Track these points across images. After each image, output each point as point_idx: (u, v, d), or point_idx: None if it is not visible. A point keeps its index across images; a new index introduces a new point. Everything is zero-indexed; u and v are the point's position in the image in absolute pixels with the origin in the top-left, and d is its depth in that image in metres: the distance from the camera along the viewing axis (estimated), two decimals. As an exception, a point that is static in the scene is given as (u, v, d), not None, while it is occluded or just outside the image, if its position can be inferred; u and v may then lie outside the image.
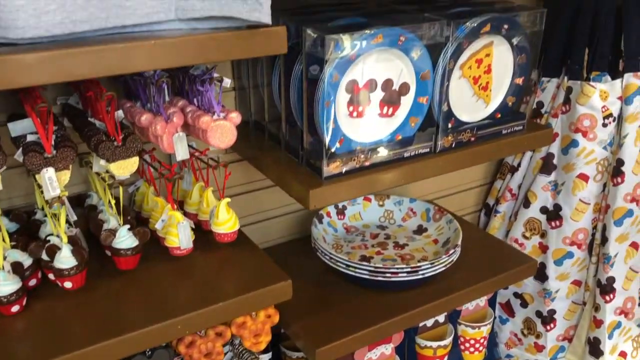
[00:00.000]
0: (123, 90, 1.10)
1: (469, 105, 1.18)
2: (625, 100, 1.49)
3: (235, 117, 0.99)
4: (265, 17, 0.82)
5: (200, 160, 1.18)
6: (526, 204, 1.66)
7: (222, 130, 0.98)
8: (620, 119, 1.52)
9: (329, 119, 1.00)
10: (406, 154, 1.11)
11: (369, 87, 1.04)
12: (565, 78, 1.54)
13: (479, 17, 1.08)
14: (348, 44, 0.96)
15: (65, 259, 0.96)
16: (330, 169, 1.03)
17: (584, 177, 1.56)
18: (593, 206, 1.59)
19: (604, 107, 1.49)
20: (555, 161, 1.59)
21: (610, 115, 1.50)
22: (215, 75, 1.01)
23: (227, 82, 1.02)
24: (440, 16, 1.07)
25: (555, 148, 1.58)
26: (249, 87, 1.22)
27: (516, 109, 1.25)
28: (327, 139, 1.01)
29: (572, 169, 1.56)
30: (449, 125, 1.15)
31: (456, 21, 1.05)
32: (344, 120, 1.04)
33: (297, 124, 1.07)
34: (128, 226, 1.04)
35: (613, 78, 1.49)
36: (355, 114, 1.05)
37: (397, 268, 1.23)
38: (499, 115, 1.22)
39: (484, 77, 1.17)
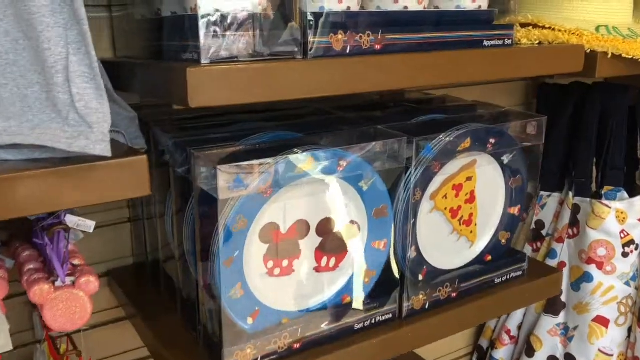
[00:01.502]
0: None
1: (447, 246, 0.85)
2: (649, 222, 1.17)
3: (89, 282, 0.66)
4: (99, 146, 0.50)
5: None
6: (529, 351, 1.30)
7: (67, 304, 0.64)
8: (643, 246, 1.19)
9: (232, 284, 0.67)
10: (357, 326, 0.76)
11: (296, 233, 0.71)
12: (570, 193, 1.23)
13: (453, 130, 0.77)
14: (254, 177, 0.64)
15: None
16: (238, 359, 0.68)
17: (602, 321, 1.21)
18: (617, 358, 1.23)
19: (622, 231, 1.17)
20: (563, 298, 1.25)
21: (632, 242, 1.18)
22: (68, 217, 0.68)
23: (90, 225, 0.69)
24: (400, 129, 0.76)
25: (562, 282, 1.24)
26: (143, 217, 0.89)
27: (512, 247, 0.92)
28: (231, 315, 0.67)
29: (586, 310, 1.21)
30: (420, 278, 0.81)
31: (420, 138, 0.73)
32: (259, 283, 0.70)
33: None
34: None
35: (631, 195, 1.18)
36: (277, 271, 0.71)
37: None
38: (490, 258, 0.89)
39: (465, 208, 0.85)
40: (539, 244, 1.30)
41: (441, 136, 0.76)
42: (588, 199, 1.20)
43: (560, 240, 1.24)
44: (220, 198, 0.61)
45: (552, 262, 1.24)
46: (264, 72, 0.61)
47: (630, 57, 0.88)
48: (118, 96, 0.73)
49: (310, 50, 0.65)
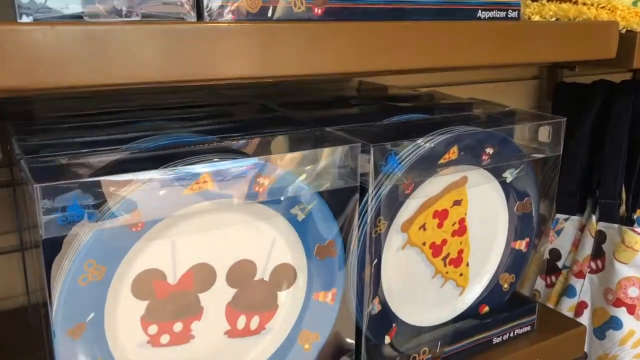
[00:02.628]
0: None
1: (427, 295, 0.62)
2: (694, 256, 0.93)
3: None
4: None
5: None
6: (541, 410, 1.05)
7: None
8: (686, 285, 0.95)
9: (83, 364, 0.44)
10: (290, 415, 0.53)
11: (193, 284, 0.48)
12: (593, 217, 0.99)
13: (432, 134, 0.54)
14: (112, 202, 0.41)
15: None
16: None
17: (634, 379, 0.97)
18: None
19: (660, 267, 0.93)
20: (584, 348, 1.00)
21: (672, 280, 0.93)
22: None
23: None
24: (361, 134, 0.54)
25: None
26: (22, 247, 0.67)
27: (517, 294, 0.68)
28: (84, 410, 0.44)
29: (613, 364, 0.97)
30: (386, 341, 0.58)
31: (381, 145, 0.50)
32: (137, 356, 0.47)
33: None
34: None
35: (671, 220, 0.94)
36: (165, 338, 0.48)
37: None
38: (487, 309, 0.66)
39: (452, 243, 0.62)
40: (553, 278, 1.06)
41: (413, 143, 0.53)
42: (616, 225, 0.96)
43: (580, 275, 1.00)
44: (44, 236, 0.39)
45: (571, 302, 1.00)
46: (129, 41, 0.38)
47: (682, 38, 0.64)
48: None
49: (208, 9, 0.43)
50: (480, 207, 0.62)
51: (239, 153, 0.52)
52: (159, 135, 0.52)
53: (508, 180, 0.62)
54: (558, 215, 1.05)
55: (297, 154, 0.48)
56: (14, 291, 0.74)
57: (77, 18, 0.40)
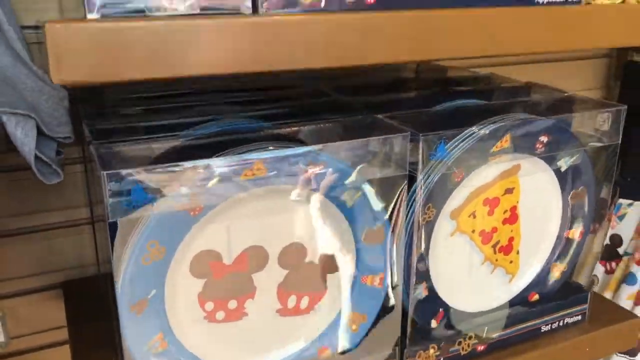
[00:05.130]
0: None
1: (476, 281, 0.62)
2: None
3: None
4: None
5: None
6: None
7: None
8: None
9: (149, 335, 0.47)
10: (338, 393, 0.56)
11: (247, 265, 0.51)
12: (658, 204, 0.95)
13: (483, 123, 0.54)
14: (171, 188, 0.44)
15: None
16: None
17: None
18: None
19: None
20: (643, 336, 0.98)
21: None
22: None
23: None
24: (411, 120, 0.54)
25: (642, 315, 0.97)
26: (92, 220, 0.72)
27: (569, 282, 0.68)
28: (145, 377, 0.48)
29: (673, 355, 0.95)
30: (433, 325, 0.59)
31: (430, 135, 0.51)
32: (194, 331, 0.51)
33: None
34: None
35: None
36: (220, 315, 0.51)
37: None
38: (536, 297, 0.66)
39: (503, 231, 0.62)
40: (613, 264, 1.03)
41: (463, 132, 0.53)
42: (682, 213, 0.92)
43: (641, 262, 0.98)
44: (110, 219, 0.42)
45: (631, 290, 0.98)
46: (180, 36, 0.40)
47: None
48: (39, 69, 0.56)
49: (263, 5, 0.44)
50: (533, 195, 0.62)
51: (292, 140, 0.53)
52: (216, 122, 0.55)
53: (562, 169, 0.61)
54: (621, 200, 1.02)
55: (346, 143, 0.49)
56: (87, 261, 0.80)
57: (140, 12, 0.42)
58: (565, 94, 0.66)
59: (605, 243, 1.04)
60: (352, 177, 0.51)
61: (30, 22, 0.68)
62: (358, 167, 0.51)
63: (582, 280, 1.07)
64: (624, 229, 1.02)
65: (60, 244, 0.78)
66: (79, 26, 0.38)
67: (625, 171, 1.01)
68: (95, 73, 0.39)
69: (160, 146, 0.49)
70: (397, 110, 0.59)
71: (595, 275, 1.05)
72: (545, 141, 0.58)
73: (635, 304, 0.98)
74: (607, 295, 1.01)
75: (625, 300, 0.99)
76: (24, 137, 0.51)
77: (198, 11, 0.43)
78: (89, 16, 0.40)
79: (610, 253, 1.03)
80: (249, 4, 0.44)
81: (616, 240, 1.03)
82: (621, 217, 1.02)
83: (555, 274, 0.66)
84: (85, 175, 0.75)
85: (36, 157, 0.52)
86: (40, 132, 0.53)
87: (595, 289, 1.04)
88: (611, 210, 1.03)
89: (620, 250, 1.02)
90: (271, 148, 0.48)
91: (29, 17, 0.68)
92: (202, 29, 0.41)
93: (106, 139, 0.50)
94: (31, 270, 0.77)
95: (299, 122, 0.55)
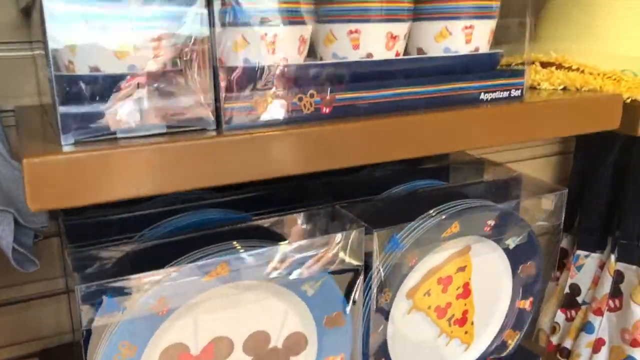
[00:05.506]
0: None
1: (433, 353, 0.66)
2: None
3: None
4: None
5: None
6: None
7: None
8: None
9: None
10: None
11: (213, 354, 0.54)
12: (612, 257, 1.01)
13: (431, 214, 0.58)
14: (138, 295, 0.47)
15: None
16: None
17: (650, 419, 0.99)
18: None
19: (676, 310, 0.95)
20: (601, 384, 1.03)
21: (689, 324, 0.95)
22: None
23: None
24: (362, 211, 0.59)
25: (600, 363, 1.02)
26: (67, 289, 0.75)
27: (522, 348, 0.72)
28: None
29: (629, 403, 0.99)
30: (391, 398, 0.63)
31: (381, 231, 0.55)
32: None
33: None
34: None
35: (689, 263, 0.96)
36: (189, 402, 0.55)
37: None
38: (491, 364, 0.70)
39: (457, 305, 0.66)
40: (573, 312, 1.08)
41: (414, 223, 0.57)
42: (634, 267, 0.98)
43: (598, 312, 1.02)
44: (84, 327, 0.45)
45: (589, 338, 1.03)
46: (145, 157, 0.44)
47: (685, 109, 0.66)
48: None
49: (227, 120, 0.48)
50: (484, 271, 0.66)
51: (258, 230, 0.57)
52: (185, 215, 0.58)
53: (511, 247, 0.66)
54: (579, 252, 1.07)
55: (307, 241, 0.53)
56: (64, 328, 0.82)
57: (111, 134, 0.46)
58: (515, 174, 0.70)
59: (565, 292, 1.09)
60: (313, 269, 0.55)
61: (8, 106, 0.71)
62: (318, 259, 0.55)
63: (545, 326, 1.12)
64: (582, 279, 1.07)
65: (38, 314, 0.80)
66: (54, 159, 0.41)
67: (583, 224, 1.06)
68: (70, 198, 0.43)
69: (131, 248, 0.52)
70: (359, 190, 0.64)
71: (557, 323, 1.09)
72: (492, 224, 0.63)
73: (594, 351, 1.03)
74: (568, 342, 1.06)
75: (584, 347, 1.04)
76: (1, 231, 0.54)
77: (165, 130, 0.47)
78: (63, 141, 0.44)
79: (570, 302, 1.08)
80: (212, 121, 0.48)
81: (575, 289, 1.08)
82: (579, 268, 1.07)
83: (509, 341, 0.71)
84: (61, 248, 0.78)
85: (14, 248, 0.55)
86: (16, 223, 0.56)
87: (557, 336, 1.09)
88: (570, 260, 1.08)
89: (579, 299, 1.07)
90: (236, 244, 0.52)
91: (8, 102, 0.71)
92: (168, 151, 0.45)
93: (80, 234, 0.54)
94: (9, 339, 0.80)
95: (264, 214, 0.59)
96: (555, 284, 1.12)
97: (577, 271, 1.08)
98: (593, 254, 1.06)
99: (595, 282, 1.05)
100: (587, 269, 1.06)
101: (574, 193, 1.07)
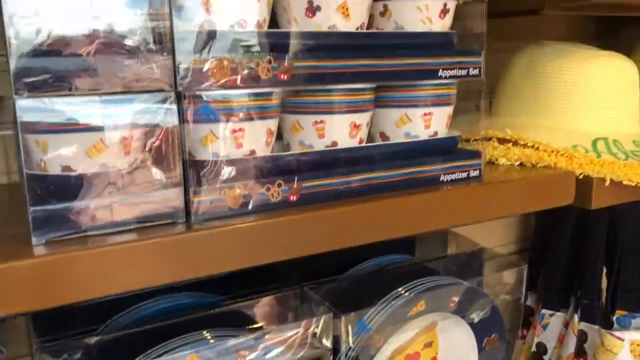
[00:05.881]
0: None
1: None
2: (673, 358, 0.97)
3: None
4: None
5: None
6: None
7: None
8: (667, 386, 0.99)
9: None
10: None
11: None
12: (576, 316, 1.03)
13: (396, 294, 0.60)
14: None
15: None
16: None
17: None
18: None
19: (639, 369, 0.97)
20: None
21: (651, 383, 0.97)
22: None
23: None
24: (328, 292, 0.60)
25: (569, 423, 1.04)
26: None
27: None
28: None
29: None
30: None
31: (348, 316, 0.57)
32: None
33: None
34: None
35: (649, 322, 0.99)
36: None
37: None
38: None
39: (425, 380, 0.67)
40: (540, 372, 1.10)
41: (380, 305, 0.59)
42: (596, 327, 1.00)
43: (564, 371, 1.04)
44: None
45: (557, 397, 1.04)
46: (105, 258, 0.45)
47: (633, 184, 0.70)
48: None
49: (196, 212, 0.50)
50: (451, 345, 0.68)
51: (229, 315, 0.58)
52: (155, 300, 0.59)
53: (475, 321, 0.68)
54: (544, 310, 1.09)
55: (277, 328, 0.54)
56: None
57: (82, 232, 0.47)
58: (477, 248, 0.73)
59: (532, 350, 1.11)
60: (285, 356, 0.55)
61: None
62: (290, 345, 0.55)
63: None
64: (548, 337, 1.09)
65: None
66: (21, 264, 0.42)
67: (546, 282, 1.09)
68: (38, 301, 0.43)
69: (97, 339, 0.53)
70: (326, 265, 0.65)
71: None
72: (457, 300, 0.65)
73: (563, 410, 1.04)
74: (537, 401, 1.08)
75: (553, 407, 1.05)
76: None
77: (135, 225, 0.48)
78: (34, 241, 0.45)
79: (537, 360, 1.10)
80: (182, 214, 0.49)
81: (541, 348, 1.10)
82: (545, 327, 1.10)
83: (476, 413, 0.72)
84: (27, 330, 0.77)
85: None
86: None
87: (526, 394, 1.10)
88: (536, 319, 1.11)
89: (546, 357, 1.09)
90: (206, 334, 0.53)
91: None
92: (138, 249, 0.46)
93: (47, 322, 0.54)
94: None
95: (234, 293, 0.60)
96: (522, 342, 1.14)
97: (542, 330, 1.10)
98: (558, 313, 1.08)
99: (561, 340, 1.07)
100: (552, 328, 1.09)
101: (537, 251, 1.11)
